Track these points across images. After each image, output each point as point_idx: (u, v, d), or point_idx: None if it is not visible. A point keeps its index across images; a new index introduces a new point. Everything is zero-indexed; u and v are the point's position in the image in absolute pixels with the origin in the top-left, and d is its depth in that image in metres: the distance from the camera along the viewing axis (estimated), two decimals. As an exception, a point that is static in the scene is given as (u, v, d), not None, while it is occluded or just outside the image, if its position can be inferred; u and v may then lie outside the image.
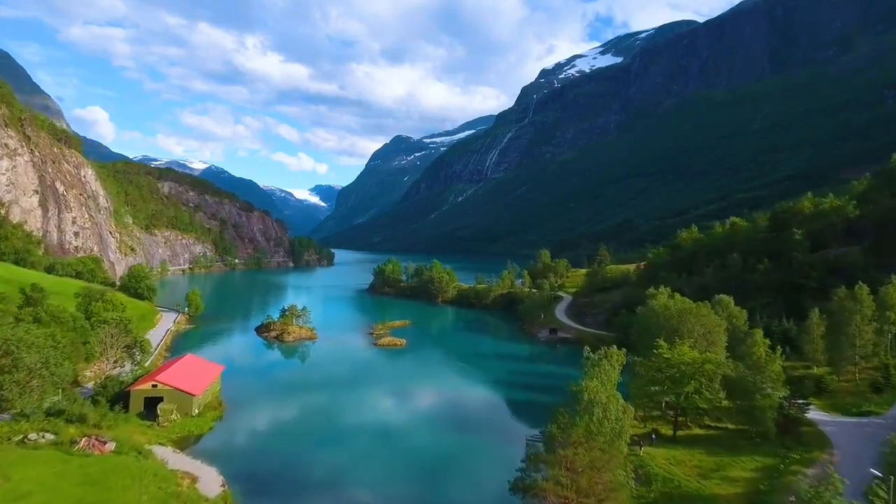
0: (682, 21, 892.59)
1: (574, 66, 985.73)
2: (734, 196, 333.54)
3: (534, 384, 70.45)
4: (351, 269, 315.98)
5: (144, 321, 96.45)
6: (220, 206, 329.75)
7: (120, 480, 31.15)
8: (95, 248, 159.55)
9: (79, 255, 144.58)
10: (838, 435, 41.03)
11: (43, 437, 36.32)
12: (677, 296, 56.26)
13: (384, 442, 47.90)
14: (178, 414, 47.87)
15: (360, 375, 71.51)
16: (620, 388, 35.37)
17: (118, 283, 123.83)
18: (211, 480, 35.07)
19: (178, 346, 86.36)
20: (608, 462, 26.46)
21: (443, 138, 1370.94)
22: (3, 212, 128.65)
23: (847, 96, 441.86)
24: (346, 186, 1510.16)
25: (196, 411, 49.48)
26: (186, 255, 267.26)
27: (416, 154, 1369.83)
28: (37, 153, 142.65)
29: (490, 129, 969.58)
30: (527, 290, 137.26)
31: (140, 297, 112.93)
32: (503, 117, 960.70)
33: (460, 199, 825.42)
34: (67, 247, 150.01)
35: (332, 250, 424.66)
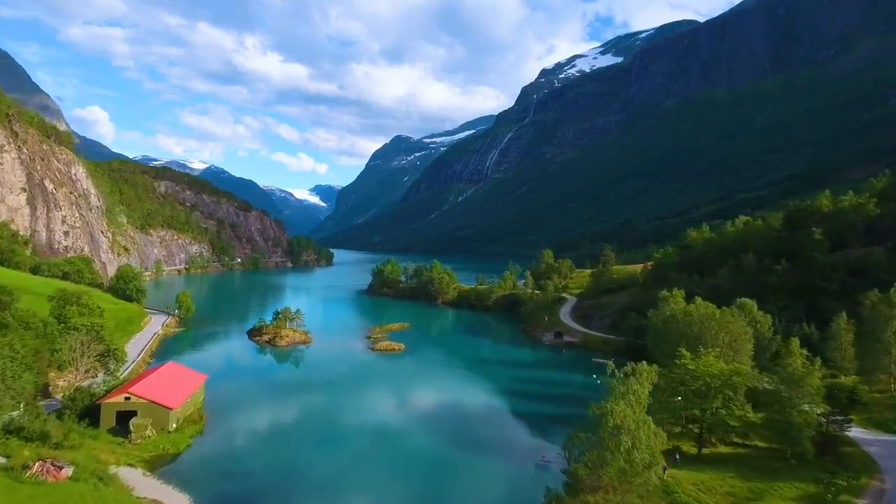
0: (683, 21, 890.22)
1: (574, 65, 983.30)
2: (735, 196, 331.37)
3: (540, 393, 66.23)
4: (350, 269, 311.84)
5: (131, 324, 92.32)
6: (218, 205, 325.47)
7: (72, 514, 26.96)
8: (86, 248, 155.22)
9: (69, 256, 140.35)
10: (885, 458, 36.82)
11: (-7, 460, 32.15)
12: (698, 300, 52.04)
13: (380, 461, 43.70)
14: (152, 429, 43.64)
15: (355, 384, 67.24)
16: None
17: (107, 285, 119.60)
18: (181, 510, 30.90)
19: (166, 350, 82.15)
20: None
21: (443, 138, 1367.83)
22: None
23: (848, 96, 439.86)
24: (346, 186, 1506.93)
25: (173, 426, 45.25)
26: (182, 256, 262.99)
27: (416, 154, 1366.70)
28: (25, 150, 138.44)
29: (490, 129, 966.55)
30: (529, 291, 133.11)
31: (128, 298, 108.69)
32: (503, 117, 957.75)
33: (460, 199, 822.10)
34: (57, 247, 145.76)
35: (332, 250, 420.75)
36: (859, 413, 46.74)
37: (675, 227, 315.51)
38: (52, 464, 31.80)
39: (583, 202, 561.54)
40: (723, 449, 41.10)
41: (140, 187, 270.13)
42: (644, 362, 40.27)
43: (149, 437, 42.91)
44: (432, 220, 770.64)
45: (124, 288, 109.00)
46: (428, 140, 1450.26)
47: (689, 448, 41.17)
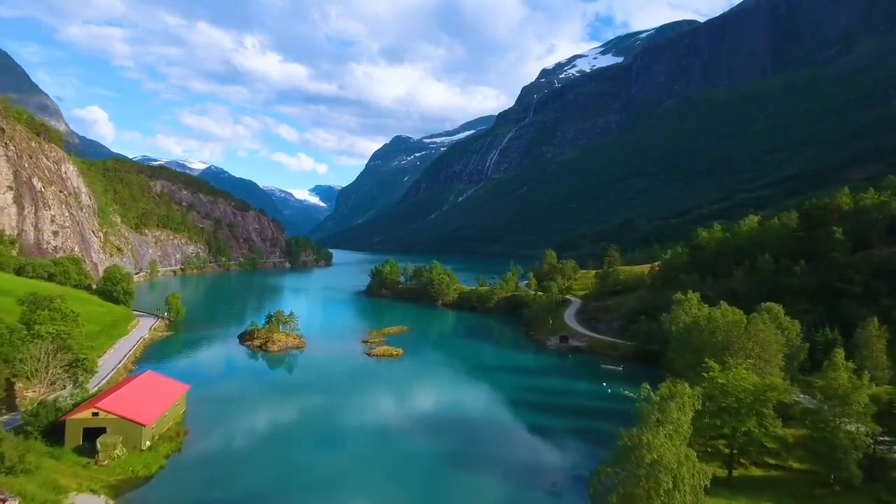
0: (683, 21, 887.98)
1: (574, 65, 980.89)
2: (737, 196, 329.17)
3: (546, 403, 61.92)
4: (349, 269, 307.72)
5: (117, 328, 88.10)
6: (215, 205, 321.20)
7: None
8: (76, 249, 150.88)
9: (58, 256, 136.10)
10: (943, 483, 32.85)
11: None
12: (724, 305, 47.89)
13: (375, 484, 39.48)
14: (123, 448, 39.45)
15: (350, 393, 63.04)
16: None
17: (97, 286, 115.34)
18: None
19: (151, 355, 77.98)
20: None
21: (443, 138, 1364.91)
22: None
23: (850, 96, 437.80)
24: (346, 187, 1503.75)
25: (147, 444, 41.06)
26: (178, 256, 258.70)
27: (416, 154, 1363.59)
28: (11, 147, 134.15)
29: (490, 129, 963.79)
30: (532, 293, 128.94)
31: (115, 301, 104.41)
32: (503, 117, 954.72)
33: (460, 199, 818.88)
34: (45, 247, 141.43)
35: (331, 251, 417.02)
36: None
37: (677, 228, 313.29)
38: (-6, 496, 27.59)
39: (583, 202, 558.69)
40: (755, 471, 37.03)
41: (135, 186, 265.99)
42: (668, 378, 36.21)
43: (118, 457, 38.73)
44: (432, 221, 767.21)
45: (111, 290, 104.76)
46: (428, 140, 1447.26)
47: (716, 470, 37.04)
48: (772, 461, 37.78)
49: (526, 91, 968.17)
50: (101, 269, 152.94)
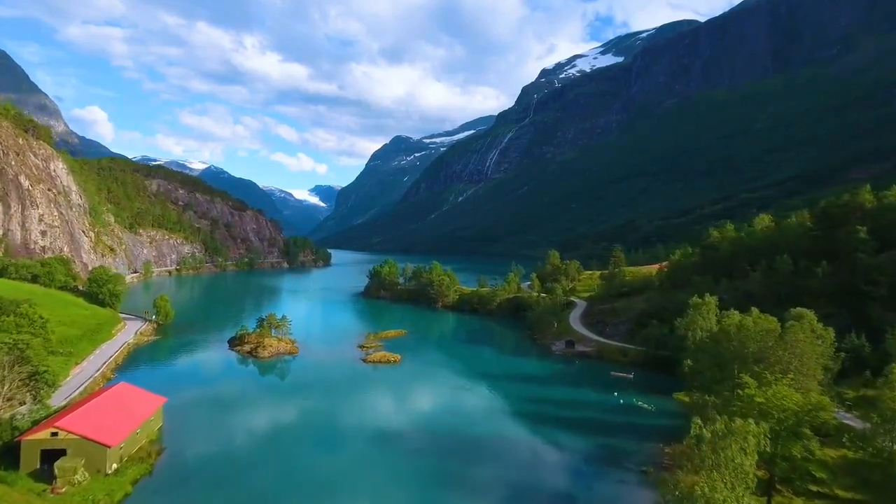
0: (684, 20, 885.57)
1: (574, 65, 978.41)
2: (739, 196, 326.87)
3: (553, 416, 57.32)
4: (348, 270, 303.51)
5: (101, 332, 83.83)
6: (212, 204, 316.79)
7: None
8: (66, 249, 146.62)
9: (46, 256, 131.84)
10: None
11: None
12: (755, 311, 43.58)
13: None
14: (85, 473, 35.19)
15: (344, 405, 58.70)
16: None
17: (81, 288, 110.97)
18: None
19: (134, 362, 73.71)
20: None
21: (443, 138, 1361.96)
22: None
23: (852, 96, 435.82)
24: (346, 187, 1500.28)
25: (113, 467, 36.79)
26: (174, 256, 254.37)
27: (416, 154, 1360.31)
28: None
29: (490, 129, 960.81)
30: (535, 294, 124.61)
31: (102, 303, 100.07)
32: (503, 117, 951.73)
33: (460, 199, 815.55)
34: (33, 247, 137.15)
35: (331, 251, 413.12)
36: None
37: (678, 228, 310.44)
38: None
39: (583, 202, 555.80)
40: (797, 502, 32.76)
41: (130, 186, 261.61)
42: (694, 393, 31.97)
43: (78, 482, 34.46)
44: (432, 221, 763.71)
45: (97, 291, 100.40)
46: (428, 140, 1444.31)
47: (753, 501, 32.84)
48: (815, 488, 33.62)
49: (526, 91, 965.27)
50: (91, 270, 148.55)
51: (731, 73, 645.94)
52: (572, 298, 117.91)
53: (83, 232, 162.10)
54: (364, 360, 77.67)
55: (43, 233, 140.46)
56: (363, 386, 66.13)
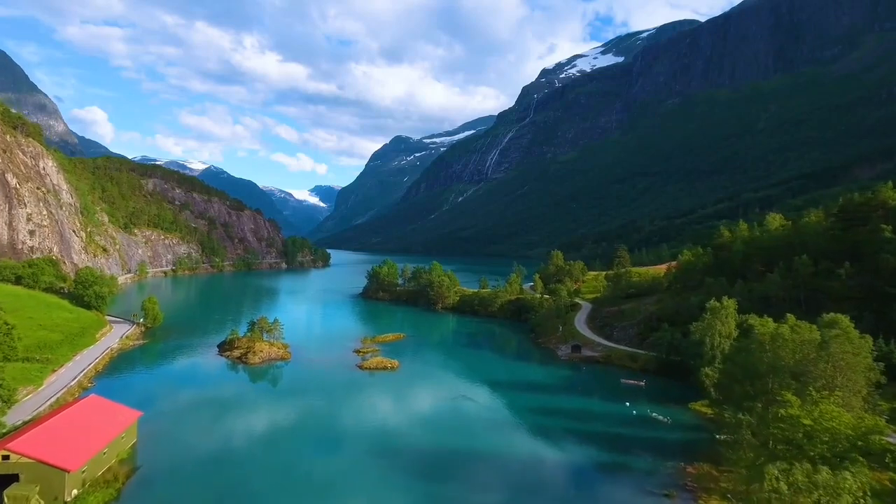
0: (685, 20, 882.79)
1: (575, 65, 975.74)
2: (743, 196, 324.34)
3: (561, 429, 53.16)
4: (347, 270, 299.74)
5: (84, 336, 79.84)
6: (209, 204, 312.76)
7: None
8: (55, 249, 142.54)
9: (34, 257, 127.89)
10: None
11: None
12: (791, 318, 39.45)
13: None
14: (40, 500, 31.21)
15: (336, 417, 54.64)
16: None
17: (67, 290, 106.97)
18: None
19: (115, 369, 69.72)
20: None
21: (443, 138, 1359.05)
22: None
23: (855, 95, 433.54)
24: (346, 187, 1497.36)
25: (73, 493, 32.81)
26: (169, 257, 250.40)
27: (416, 154, 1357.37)
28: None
29: (490, 129, 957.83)
30: (538, 296, 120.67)
31: (87, 305, 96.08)
32: (504, 117, 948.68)
33: (460, 199, 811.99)
34: (20, 247, 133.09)
35: (330, 251, 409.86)
36: None
37: (681, 228, 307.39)
38: None
39: (585, 202, 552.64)
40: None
41: (125, 185, 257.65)
42: (726, 411, 27.97)
43: (31, 513, 30.48)
44: (432, 221, 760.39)
45: (82, 293, 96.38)
46: (428, 140, 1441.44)
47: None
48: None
49: (526, 91, 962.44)
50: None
51: (733, 73, 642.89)
52: (577, 300, 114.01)
53: (74, 232, 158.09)
54: (360, 367, 73.63)
55: (31, 232, 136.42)
56: (358, 396, 62.03)
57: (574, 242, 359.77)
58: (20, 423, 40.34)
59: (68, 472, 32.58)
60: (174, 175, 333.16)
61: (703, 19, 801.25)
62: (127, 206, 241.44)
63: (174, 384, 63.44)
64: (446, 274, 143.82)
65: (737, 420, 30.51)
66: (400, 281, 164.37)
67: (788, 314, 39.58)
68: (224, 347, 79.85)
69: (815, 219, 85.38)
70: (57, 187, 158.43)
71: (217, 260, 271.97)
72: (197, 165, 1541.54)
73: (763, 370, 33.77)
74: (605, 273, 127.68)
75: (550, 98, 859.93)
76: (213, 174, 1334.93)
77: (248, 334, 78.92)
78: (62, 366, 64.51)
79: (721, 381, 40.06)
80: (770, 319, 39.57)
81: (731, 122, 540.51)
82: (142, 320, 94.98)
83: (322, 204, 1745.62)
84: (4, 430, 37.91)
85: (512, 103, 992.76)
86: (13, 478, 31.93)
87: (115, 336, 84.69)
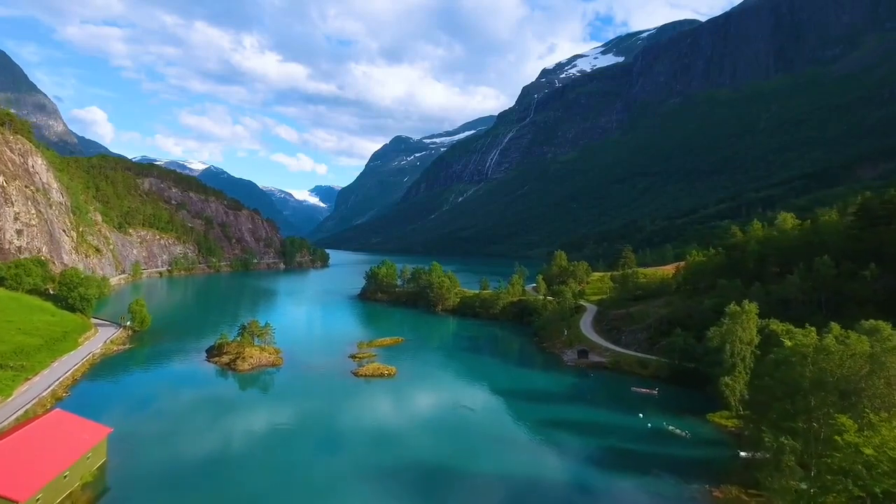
0: (685, 20, 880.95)
1: (575, 65, 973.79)
2: (744, 196, 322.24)
3: (572, 446, 49.06)
4: (346, 270, 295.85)
5: (66, 341, 75.91)
6: (206, 204, 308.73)
7: None
8: (45, 249, 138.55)
9: (22, 257, 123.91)
10: None
11: None
12: (835, 327, 35.57)
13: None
14: (-18, 536, 27.26)
15: (327, 430, 50.68)
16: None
17: (53, 291, 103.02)
18: None
19: (96, 376, 65.76)
20: None
21: (443, 139, 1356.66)
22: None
23: (856, 94, 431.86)
24: (346, 187, 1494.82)
25: (22, 526, 28.80)
26: (165, 257, 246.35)
27: (416, 154, 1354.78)
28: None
29: (490, 129, 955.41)
30: (542, 297, 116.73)
31: (72, 308, 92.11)
32: (504, 117, 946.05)
33: (460, 199, 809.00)
34: (7, 247, 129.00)
35: (330, 251, 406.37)
36: None
37: (682, 228, 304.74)
38: None
39: (585, 202, 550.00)
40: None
41: (121, 184, 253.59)
42: (766, 434, 24.09)
43: (-30, 551, 26.53)
44: (432, 221, 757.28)
45: (66, 295, 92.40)
46: (428, 140, 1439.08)
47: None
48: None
49: (526, 91, 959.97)
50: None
51: (733, 73, 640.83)
52: (581, 302, 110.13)
53: (64, 231, 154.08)
54: (355, 374, 69.66)
55: (19, 232, 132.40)
56: (352, 407, 57.98)
57: (575, 242, 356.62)
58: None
59: (16, 503, 28.63)
60: (171, 174, 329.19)
61: (703, 19, 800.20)
62: (122, 205, 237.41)
63: (154, 394, 59.39)
64: (446, 275, 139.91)
65: (779, 444, 26.71)
66: (399, 282, 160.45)
67: (833, 323, 35.62)
68: (212, 353, 75.89)
69: (834, 217, 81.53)
70: (47, 186, 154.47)
71: (214, 260, 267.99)
72: (197, 166, 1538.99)
73: (805, 386, 29.91)
74: (610, 274, 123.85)
75: (551, 98, 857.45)
76: (213, 174, 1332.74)
77: (238, 339, 74.99)
78: (37, 373, 60.54)
79: (754, 398, 36.14)
80: (811, 329, 35.56)
81: (732, 122, 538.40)
82: (128, 323, 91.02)
83: (322, 204, 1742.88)
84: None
85: (512, 103, 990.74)
86: (-47, 510, 28.07)
87: (99, 340, 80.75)
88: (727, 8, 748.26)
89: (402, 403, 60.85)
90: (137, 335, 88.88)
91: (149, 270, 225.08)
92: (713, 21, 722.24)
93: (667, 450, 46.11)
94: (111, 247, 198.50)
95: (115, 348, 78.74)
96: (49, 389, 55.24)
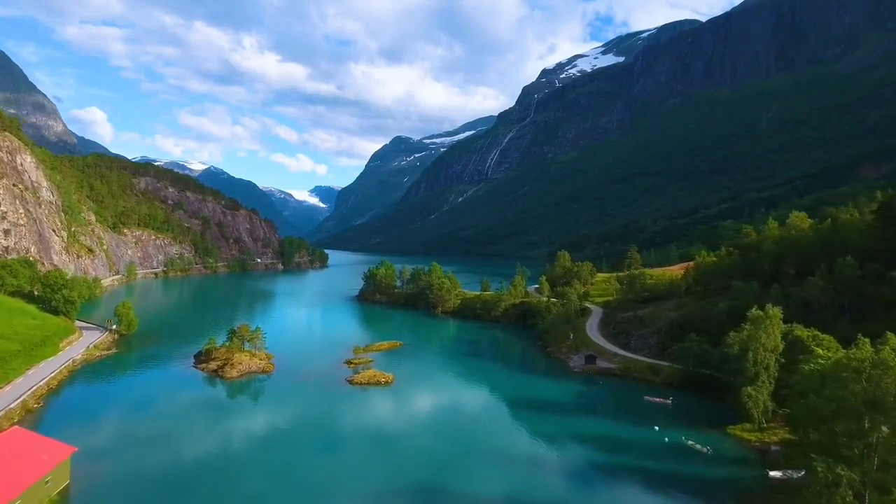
0: (685, 20, 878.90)
1: (575, 65, 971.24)
2: (746, 196, 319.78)
3: (587, 463, 45.26)
4: (345, 271, 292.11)
5: (46, 346, 72.06)
6: (203, 203, 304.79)
7: None
8: (33, 249, 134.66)
9: (9, 258, 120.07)
10: None
11: None
12: (893, 338, 31.76)
13: None
14: None
15: (317, 446, 46.85)
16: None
17: (37, 293, 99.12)
18: None
19: (75, 384, 61.87)
20: None
21: (443, 139, 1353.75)
22: None
23: (858, 94, 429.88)
24: (346, 187, 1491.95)
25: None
26: (161, 257, 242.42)
27: (416, 155, 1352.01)
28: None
29: (491, 129, 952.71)
30: (545, 299, 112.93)
31: (55, 311, 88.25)
32: (504, 117, 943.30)
33: (460, 199, 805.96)
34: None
35: (330, 251, 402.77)
36: None
37: (684, 228, 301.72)
38: None
39: (585, 202, 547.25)
40: None
41: (116, 183, 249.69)
42: (818, 457, 20.37)
43: None
44: (432, 221, 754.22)
45: (50, 297, 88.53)
46: (428, 140, 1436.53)
47: None
48: None
49: (526, 91, 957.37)
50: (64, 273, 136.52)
51: (734, 73, 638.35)
52: (586, 304, 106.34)
53: (54, 231, 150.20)
54: (350, 381, 65.80)
55: (6, 232, 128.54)
56: (346, 418, 54.11)
57: (576, 243, 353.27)
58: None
59: (-50, 541, 24.86)
60: (168, 174, 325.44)
61: (703, 19, 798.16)
62: (117, 205, 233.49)
63: (132, 406, 55.41)
64: (447, 276, 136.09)
65: (835, 476, 22.97)
66: (398, 283, 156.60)
67: (889, 333, 31.76)
68: (200, 359, 72.00)
69: (854, 216, 77.69)
70: (36, 184, 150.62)
71: (210, 261, 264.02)
72: (197, 166, 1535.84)
73: (857, 406, 26.12)
74: (616, 275, 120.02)
75: (551, 98, 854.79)
76: (213, 175, 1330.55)
77: (227, 344, 71.15)
78: (9, 382, 56.63)
79: (798, 418, 32.24)
80: (866, 341, 31.63)
81: (732, 122, 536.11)
82: (114, 327, 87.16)
83: (322, 204, 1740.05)
84: None
85: (512, 103, 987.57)
86: None
87: (81, 345, 76.89)
88: (728, 8, 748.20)
89: (397, 415, 56.99)
90: (124, 339, 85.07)
91: (144, 271, 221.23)
92: (714, 21, 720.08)
93: (688, 468, 42.28)
94: (105, 247, 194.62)
95: (98, 354, 74.85)
96: (19, 400, 51.35)
